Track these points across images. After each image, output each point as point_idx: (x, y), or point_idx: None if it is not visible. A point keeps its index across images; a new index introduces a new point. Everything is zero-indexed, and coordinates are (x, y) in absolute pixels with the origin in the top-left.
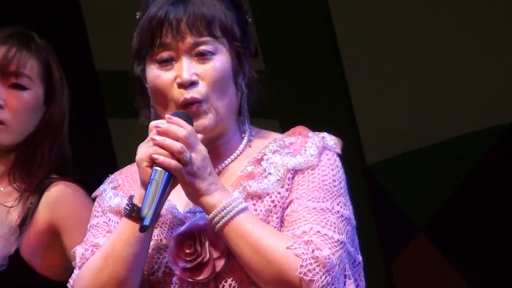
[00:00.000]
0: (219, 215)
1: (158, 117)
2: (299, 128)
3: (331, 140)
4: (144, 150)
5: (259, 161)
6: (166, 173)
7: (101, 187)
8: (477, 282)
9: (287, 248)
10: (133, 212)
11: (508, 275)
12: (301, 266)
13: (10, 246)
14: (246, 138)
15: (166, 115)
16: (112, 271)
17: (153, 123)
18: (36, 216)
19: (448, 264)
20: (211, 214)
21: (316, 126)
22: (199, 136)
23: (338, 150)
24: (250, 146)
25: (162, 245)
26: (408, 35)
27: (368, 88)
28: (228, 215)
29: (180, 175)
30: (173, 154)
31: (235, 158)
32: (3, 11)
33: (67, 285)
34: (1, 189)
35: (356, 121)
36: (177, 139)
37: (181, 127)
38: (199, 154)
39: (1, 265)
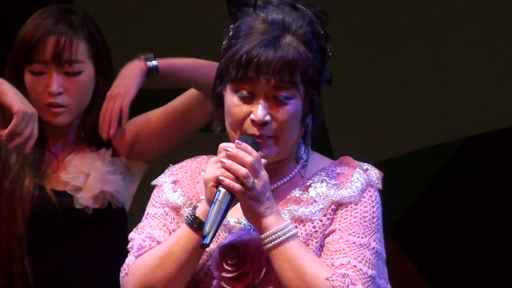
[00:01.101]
0: (271, 237)
1: (229, 134)
2: (348, 159)
3: (375, 175)
4: (212, 170)
5: (307, 187)
6: (229, 195)
7: (161, 178)
8: (440, 283)
9: (326, 279)
10: (194, 224)
11: (468, 276)
12: None
13: (125, 185)
14: (300, 164)
15: (236, 140)
16: (167, 272)
17: (222, 145)
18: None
19: (412, 265)
20: (263, 235)
21: None
22: (263, 161)
23: (380, 186)
24: (300, 173)
25: (209, 249)
26: (369, 53)
27: (340, 105)
28: (279, 239)
29: (242, 198)
30: (238, 178)
31: (287, 181)
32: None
33: (121, 269)
34: (74, 156)
35: (328, 135)
36: (243, 164)
37: (248, 154)
38: (261, 180)
39: (124, 201)
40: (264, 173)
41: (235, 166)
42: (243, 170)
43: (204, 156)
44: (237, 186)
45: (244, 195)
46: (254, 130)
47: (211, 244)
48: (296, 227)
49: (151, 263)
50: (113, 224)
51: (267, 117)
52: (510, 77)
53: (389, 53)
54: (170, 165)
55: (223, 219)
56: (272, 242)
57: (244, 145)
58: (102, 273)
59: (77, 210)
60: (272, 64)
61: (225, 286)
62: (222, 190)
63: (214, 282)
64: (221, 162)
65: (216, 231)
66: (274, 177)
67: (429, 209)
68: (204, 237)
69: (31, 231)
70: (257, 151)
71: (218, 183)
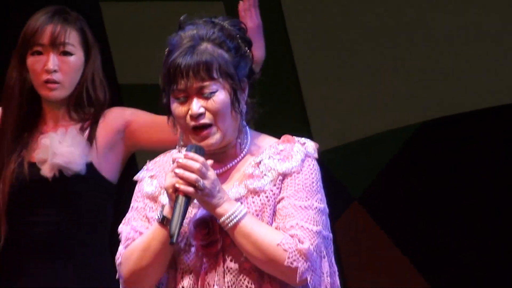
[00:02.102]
0: (227, 221)
1: (183, 135)
2: (288, 137)
3: (311, 147)
4: (169, 180)
5: (257, 164)
6: (186, 199)
7: (141, 174)
8: (406, 244)
9: (277, 244)
10: (164, 221)
11: (427, 236)
12: (288, 258)
13: (86, 157)
14: (246, 147)
15: (184, 153)
16: (149, 261)
17: (174, 157)
18: (98, 132)
19: (379, 229)
20: (221, 220)
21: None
22: (209, 162)
23: (316, 155)
24: (249, 152)
25: (185, 223)
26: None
27: (320, 87)
28: (234, 221)
29: (197, 197)
30: (190, 183)
31: (238, 162)
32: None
33: (116, 258)
34: (63, 128)
35: (307, 111)
36: (192, 171)
37: (195, 161)
38: (209, 180)
39: (82, 170)
40: (211, 173)
41: (186, 174)
42: (192, 177)
43: (173, 150)
44: (190, 189)
45: (198, 195)
46: (194, 122)
47: (186, 220)
48: (253, 197)
49: (136, 255)
50: (72, 188)
51: (201, 110)
52: (463, 64)
53: (349, 43)
54: (148, 161)
55: (184, 217)
56: (229, 224)
57: (191, 154)
58: (68, 230)
59: (43, 178)
60: (190, 67)
61: (202, 251)
62: (180, 196)
63: (193, 249)
64: (175, 172)
65: (179, 230)
66: (226, 159)
67: (393, 179)
68: (171, 236)
69: (10, 200)
70: (202, 155)
71: (175, 189)
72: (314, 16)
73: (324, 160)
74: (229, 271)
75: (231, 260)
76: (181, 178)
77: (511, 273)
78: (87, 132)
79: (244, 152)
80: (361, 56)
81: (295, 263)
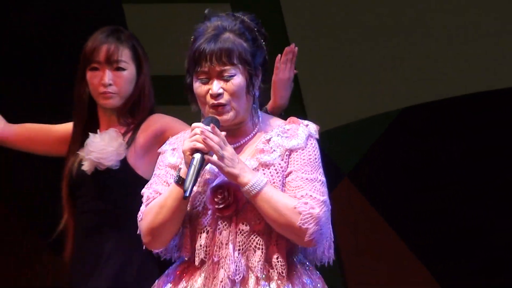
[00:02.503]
0: (250, 189)
1: (201, 110)
2: (293, 119)
3: (313, 128)
4: (187, 144)
5: (268, 140)
6: (200, 159)
7: (164, 147)
8: (391, 216)
9: (294, 207)
10: (179, 181)
11: (410, 207)
12: (301, 219)
13: (120, 155)
14: (257, 126)
15: (212, 125)
16: (165, 216)
17: (194, 125)
18: (138, 134)
19: (368, 203)
20: (245, 189)
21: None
22: (223, 133)
23: (317, 136)
24: (260, 131)
25: (203, 190)
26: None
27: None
28: (257, 189)
29: (219, 166)
30: (213, 151)
31: (250, 139)
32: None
33: (138, 216)
34: (113, 129)
35: (303, 96)
36: (213, 141)
37: (215, 135)
38: (228, 151)
39: (116, 165)
40: (229, 147)
41: (207, 140)
42: (216, 147)
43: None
44: (205, 146)
45: (220, 164)
46: (213, 100)
47: (205, 186)
48: (263, 170)
49: (154, 211)
50: (105, 181)
51: (220, 90)
52: (444, 51)
53: (331, 31)
54: (170, 136)
55: (198, 175)
56: (252, 192)
57: (215, 129)
58: (107, 217)
59: (84, 173)
60: (214, 53)
61: (218, 214)
62: (196, 157)
63: (209, 213)
64: (196, 136)
65: (193, 185)
66: (240, 135)
67: (377, 158)
68: (184, 191)
69: (70, 192)
70: (218, 126)
71: (193, 152)
72: (311, 13)
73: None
74: (240, 232)
75: (242, 223)
76: (202, 142)
77: (502, 252)
78: (129, 134)
79: (255, 130)
80: (355, 53)
81: (306, 225)
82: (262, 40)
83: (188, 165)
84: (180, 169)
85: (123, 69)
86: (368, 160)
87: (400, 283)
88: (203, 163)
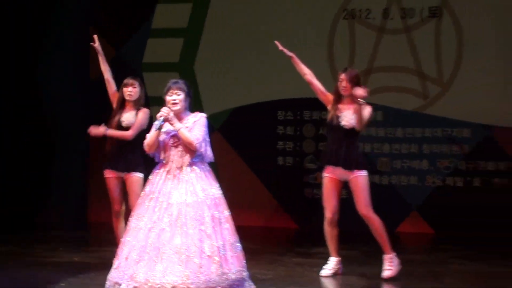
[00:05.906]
0: (179, 130)
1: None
2: (196, 112)
3: (204, 115)
4: (159, 114)
5: (187, 120)
6: (162, 120)
7: (157, 122)
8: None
9: (194, 139)
10: (156, 128)
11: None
12: (194, 142)
13: (131, 119)
14: (186, 116)
15: (166, 109)
16: (151, 140)
17: (163, 109)
18: (138, 113)
19: (229, 145)
20: (176, 129)
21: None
22: (172, 113)
23: (205, 116)
24: (186, 117)
25: (166, 133)
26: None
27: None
28: (181, 129)
29: (169, 121)
30: (167, 118)
31: (182, 119)
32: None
33: (144, 142)
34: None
35: (200, 94)
36: (167, 113)
37: (169, 112)
38: (173, 119)
39: (131, 122)
40: (174, 117)
41: (165, 113)
42: (165, 113)
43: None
44: (165, 115)
45: (169, 120)
46: (172, 102)
47: (166, 134)
48: (184, 126)
49: (147, 139)
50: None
51: (176, 100)
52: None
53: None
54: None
55: (162, 126)
56: (180, 131)
57: (168, 110)
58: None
59: (124, 129)
60: (174, 86)
61: (172, 144)
62: (160, 119)
63: (170, 143)
64: (163, 112)
65: (160, 128)
66: (180, 118)
67: (236, 121)
68: (157, 129)
69: (115, 141)
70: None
71: (160, 116)
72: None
73: (211, 119)
74: (178, 149)
75: (179, 145)
76: (165, 113)
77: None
78: (134, 112)
79: (185, 117)
80: (241, 50)
81: (194, 144)
82: (189, 87)
83: (159, 122)
84: (157, 124)
85: (135, 87)
86: (229, 122)
87: None
88: (164, 121)
